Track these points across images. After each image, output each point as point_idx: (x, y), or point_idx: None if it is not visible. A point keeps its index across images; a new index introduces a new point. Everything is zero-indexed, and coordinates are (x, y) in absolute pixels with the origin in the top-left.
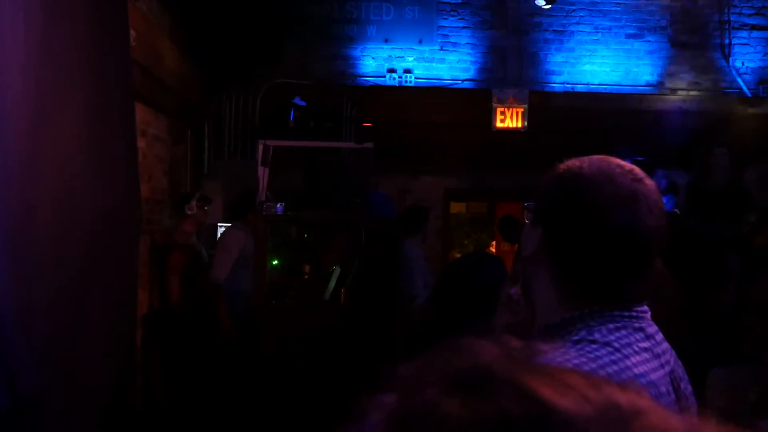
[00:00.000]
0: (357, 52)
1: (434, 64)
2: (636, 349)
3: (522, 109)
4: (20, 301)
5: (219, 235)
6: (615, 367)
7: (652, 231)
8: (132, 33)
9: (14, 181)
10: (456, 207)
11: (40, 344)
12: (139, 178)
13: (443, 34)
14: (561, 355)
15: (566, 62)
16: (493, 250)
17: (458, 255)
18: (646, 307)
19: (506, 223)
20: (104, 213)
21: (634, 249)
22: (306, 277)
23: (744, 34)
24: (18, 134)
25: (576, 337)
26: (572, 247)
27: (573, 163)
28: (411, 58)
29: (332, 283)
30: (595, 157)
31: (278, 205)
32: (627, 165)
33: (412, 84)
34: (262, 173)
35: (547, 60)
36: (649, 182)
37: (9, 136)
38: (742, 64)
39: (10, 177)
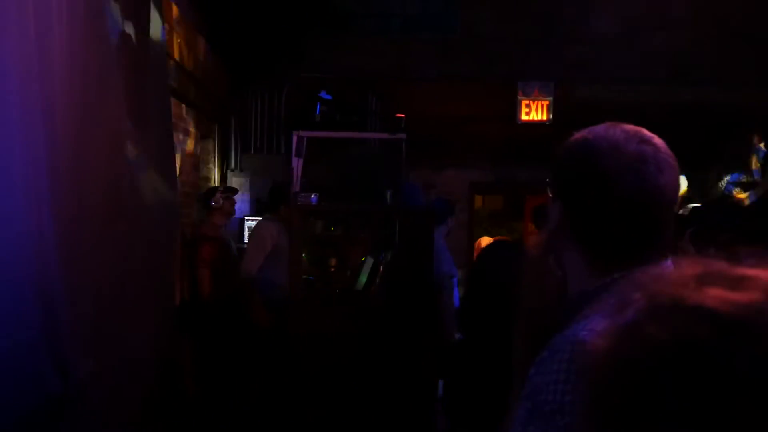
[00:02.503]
0: (380, 46)
1: (457, 57)
2: None
3: (547, 102)
4: (70, 288)
5: (246, 228)
6: None
7: (665, 189)
8: (165, 26)
9: (63, 170)
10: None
11: (87, 331)
12: (176, 172)
13: (467, 27)
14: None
15: (591, 55)
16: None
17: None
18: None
19: (541, 212)
20: (145, 206)
21: (648, 210)
22: (332, 270)
23: None
24: (65, 124)
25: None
26: (589, 217)
27: (580, 134)
28: (434, 51)
29: (364, 274)
30: (602, 125)
31: (313, 196)
32: (633, 128)
33: (435, 77)
34: (297, 164)
35: (572, 52)
36: (658, 141)
37: (58, 124)
38: None
39: (59, 165)
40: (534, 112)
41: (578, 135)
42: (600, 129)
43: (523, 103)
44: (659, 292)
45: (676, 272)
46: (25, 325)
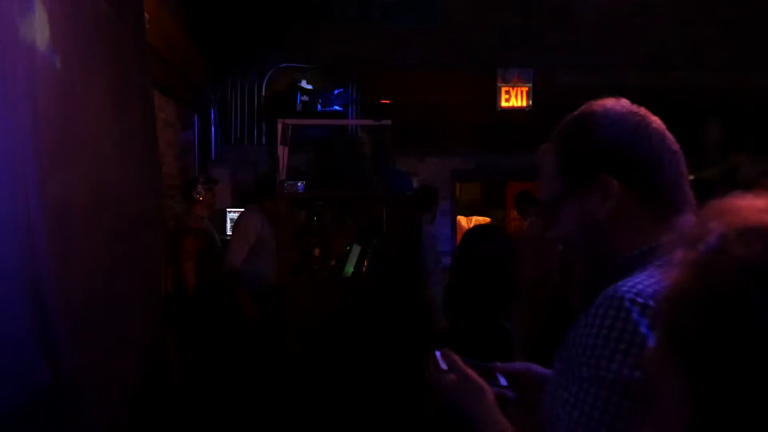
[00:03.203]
0: (360, 34)
1: (437, 45)
2: None
3: (527, 88)
4: (58, 279)
5: (228, 220)
6: None
7: (663, 154)
8: (146, 16)
9: (49, 158)
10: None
11: (75, 321)
12: (160, 163)
13: (446, 15)
14: (647, 278)
15: (570, 41)
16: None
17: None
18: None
19: (523, 198)
20: (130, 196)
21: (654, 174)
22: (316, 259)
23: None
24: (49, 110)
25: (659, 263)
26: (649, 173)
27: (598, 109)
28: (414, 39)
29: (351, 262)
30: (606, 100)
31: (299, 184)
32: (635, 106)
33: (415, 65)
34: (282, 152)
35: (551, 39)
36: (654, 118)
37: (42, 110)
38: None
39: (44, 153)
40: (514, 98)
41: (596, 110)
42: (613, 102)
43: (503, 89)
44: (740, 219)
45: (746, 203)
46: (14, 316)
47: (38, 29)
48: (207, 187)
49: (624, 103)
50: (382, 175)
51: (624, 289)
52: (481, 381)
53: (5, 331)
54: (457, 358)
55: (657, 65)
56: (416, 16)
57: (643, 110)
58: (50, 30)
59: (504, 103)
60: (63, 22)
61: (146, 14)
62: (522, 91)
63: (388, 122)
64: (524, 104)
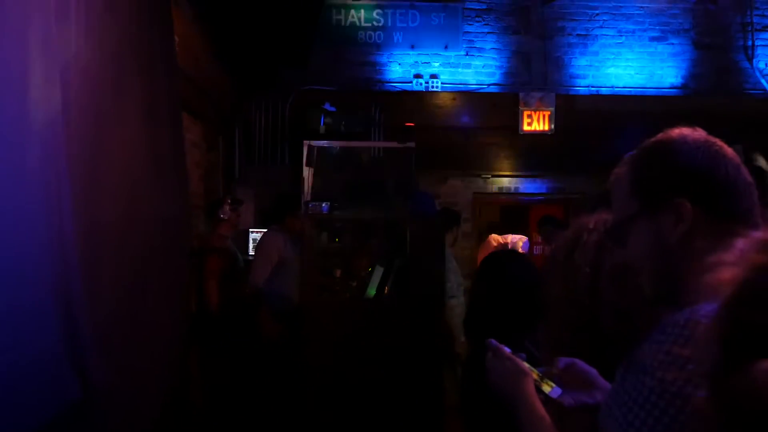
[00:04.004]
0: (384, 59)
1: (460, 69)
2: None
3: (549, 112)
4: (89, 293)
5: (251, 240)
6: None
7: (738, 183)
8: (175, 38)
9: (83, 175)
10: None
11: (105, 338)
12: (188, 183)
13: (469, 40)
14: None
15: (591, 66)
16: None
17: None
18: None
19: (547, 222)
20: (159, 215)
21: (729, 201)
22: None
23: (766, 35)
24: (80, 134)
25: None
26: (723, 196)
27: (680, 136)
28: (437, 64)
29: (374, 283)
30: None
31: (324, 205)
32: (712, 137)
33: (438, 89)
34: (308, 173)
35: (572, 64)
36: (729, 149)
37: (73, 136)
38: (766, 65)
39: (78, 170)
40: (536, 122)
41: (674, 137)
42: (690, 131)
43: (525, 113)
44: None
45: None
46: (46, 331)
47: (74, 52)
48: (233, 208)
49: (701, 132)
50: (406, 196)
51: (702, 312)
52: (525, 367)
53: (38, 346)
54: (502, 348)
55: (679, 90)
56: (439, 41)
57: (719, 141)
58: (84, 53)
59: (526, 127)
60: (97, 45)
61: (176, 37)
62: (544, 115)
63: (412, 144)
64: (546, 128)
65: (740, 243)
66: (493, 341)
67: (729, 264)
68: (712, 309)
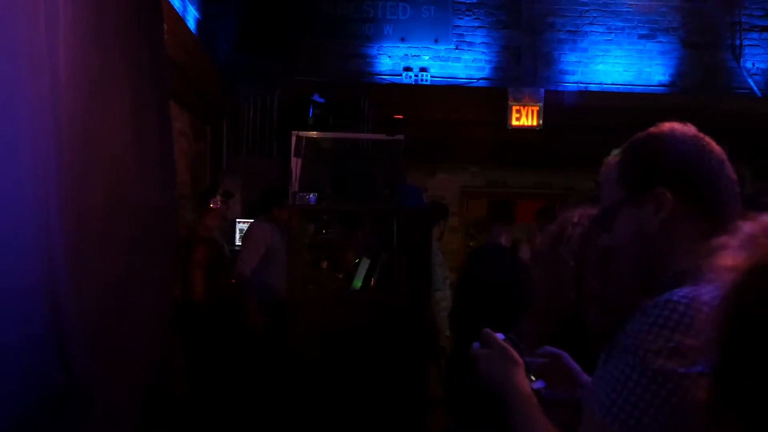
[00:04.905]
0: (373, 51)
1: (450, 63)
2: None
3: (537, 108)
4: (75, 282)
5: (238, 231)
6: None
7: (721, 178)
8: (164, 26)
9: (70, 166)
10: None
11: (90, 326)
12: (175, 172)
13: (458, 34)
14: (700, 288)
15: (580, 62)
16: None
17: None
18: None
19: (546, 214)
20: (146, 203)
21: (709, 193)
22: (324, 272)
23: (754, 35)
24: (67, 122)
25: (710, 278)
26: (708, 190)
27: (675, 131)
28: (427, 57)
29: (360, 276)
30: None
31: (311, 196)
32: (702, 134)
33: (428, 82)
34: (295, 164)
35: (561, 60)
36: (717, 146)
37: (59, 124)
38: (753, 65)
39: (65, 161)
40: (524, 117)
41: (664, 130)
42: (680, 126)
43: (514, 108)
44: None
45: None
46: (32, 319)
47: (62, 42)
48: (224, 199)
49: (691, 128)
50: (394, 189)
51: (680, 294)
52: (515, 354)
53: (22, 333)
54: (496, 336)
55: (667, 88)
56: (429, 34)
57: (708, 138)
58: (73, 42)
59: (515, 122)
60: (85, 35)
61: (165, 25)
62: (532, 111)
63: (401, 137)
64: (534, 123)
65: (746, 227)
66: (488, 330)
67: (732, 248)
68: (689, 291)
